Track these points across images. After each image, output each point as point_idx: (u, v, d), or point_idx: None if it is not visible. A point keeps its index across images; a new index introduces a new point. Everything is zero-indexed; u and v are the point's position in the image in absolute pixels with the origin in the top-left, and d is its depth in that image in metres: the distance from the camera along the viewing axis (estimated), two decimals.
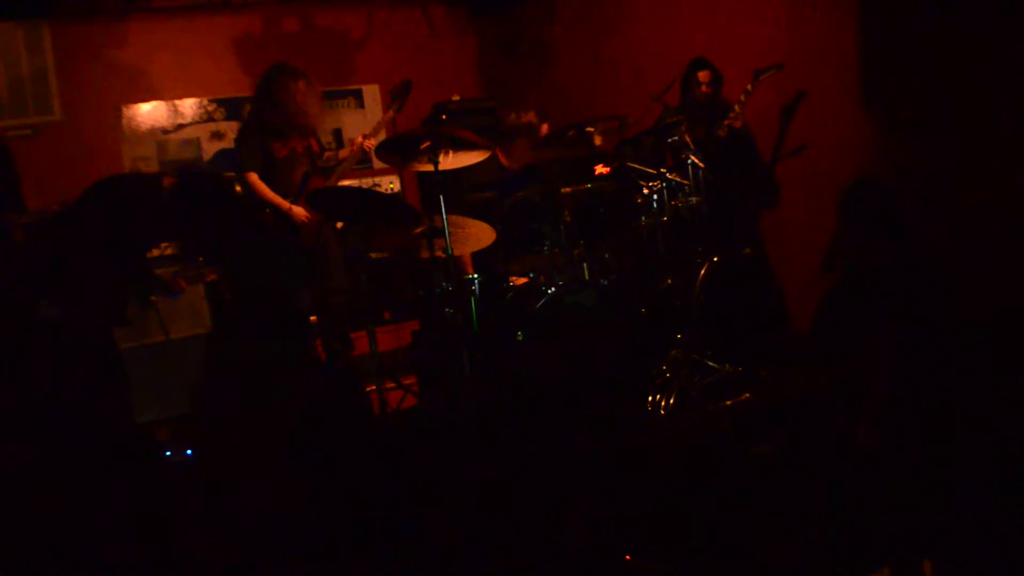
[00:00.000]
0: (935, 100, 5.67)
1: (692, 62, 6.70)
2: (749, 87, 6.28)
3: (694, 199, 5.88)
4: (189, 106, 8.34)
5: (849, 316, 5.35)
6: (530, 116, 6.47)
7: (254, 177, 6.08)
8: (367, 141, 6.22)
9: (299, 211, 6.04)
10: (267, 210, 6.10)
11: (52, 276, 4.82)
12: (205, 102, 8.38)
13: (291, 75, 6.17)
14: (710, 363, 5.55)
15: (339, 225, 6.34)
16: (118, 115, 8.07)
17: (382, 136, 6.47)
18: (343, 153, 6.47)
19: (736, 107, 6.33)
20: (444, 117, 8.46)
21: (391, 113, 6.34)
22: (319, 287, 6.30)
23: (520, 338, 5.28)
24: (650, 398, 5.22)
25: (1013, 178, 5.27)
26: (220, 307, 7.24)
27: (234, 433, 5.04)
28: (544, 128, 6.48)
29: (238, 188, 7.28)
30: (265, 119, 6.15)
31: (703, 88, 6.63)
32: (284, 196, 6.10)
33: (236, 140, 6.43)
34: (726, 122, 6.34)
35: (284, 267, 6.17)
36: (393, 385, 5.94)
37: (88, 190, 4.83)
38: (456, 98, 8.78)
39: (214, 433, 5.26)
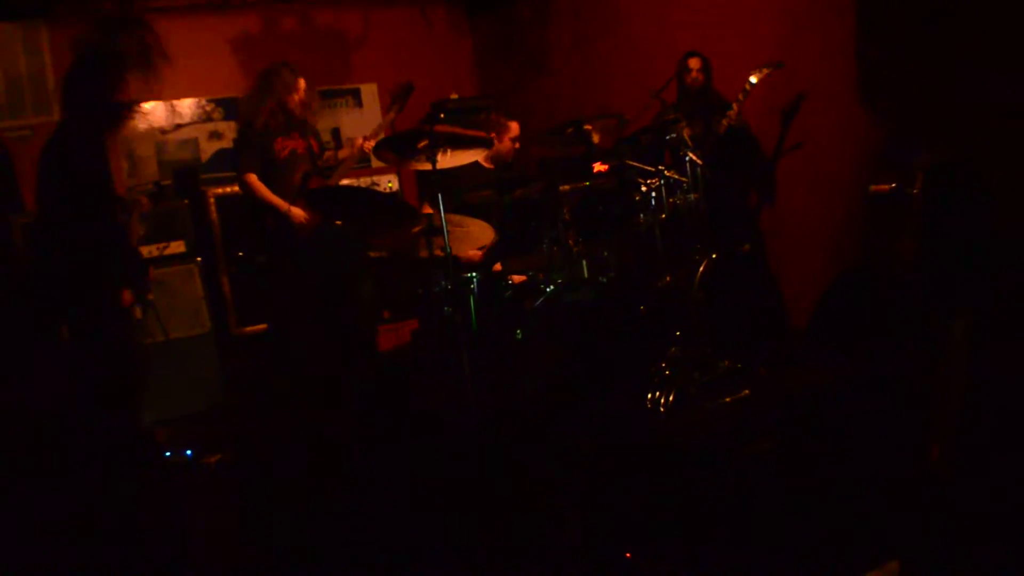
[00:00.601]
0: (936, 95, 5.67)
1: (684, 54, 6.78)
2: (748, 85, 6.29)
3: (692, 196, 5.89)
4: (187, 106, 8.34)
5: (849, 311, 5.36)
6: (499, 116, 6.58)
7: (253, 178, 6.07)
8: (367, 143, 6.21)
9: (298, 212, 6.02)
10: (266, 211, 6.09)
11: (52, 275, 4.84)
12: (203, 102, 8.38)
13: (289, 74, 6.18)
14: (709, 360, 5.56)
15: (338, 224, 6.33)
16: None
17: (381, 137, 6.47)
18: (343, 153, 6.46)
19: (735, 104, 6.34)
20: (442, 116, 8.45)
21: (392, 115, 6.33)
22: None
23: (519, 336, 5.28)
24: (649, 395, 5.22)
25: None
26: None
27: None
28: (513, 126, 6.55)
29: (233, 189, 7.31)
30: (263, 119, 6.15)
31: (693, 75, 6.69)
32: (284, 197, 6.08)
33: (235, 141, 6.42)
34: (724, 120, 6.35)
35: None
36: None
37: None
38: (454, 96, 8.77)
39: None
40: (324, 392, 5.69)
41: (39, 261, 4.94)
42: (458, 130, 5.27)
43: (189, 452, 5.32)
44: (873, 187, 4.69)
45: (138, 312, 5.13)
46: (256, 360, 6.97)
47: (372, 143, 6.15)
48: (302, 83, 6.20)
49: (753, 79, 6.27)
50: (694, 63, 6.72)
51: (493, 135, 6.30)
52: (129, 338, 5.01)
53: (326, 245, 6.14)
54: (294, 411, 5.19)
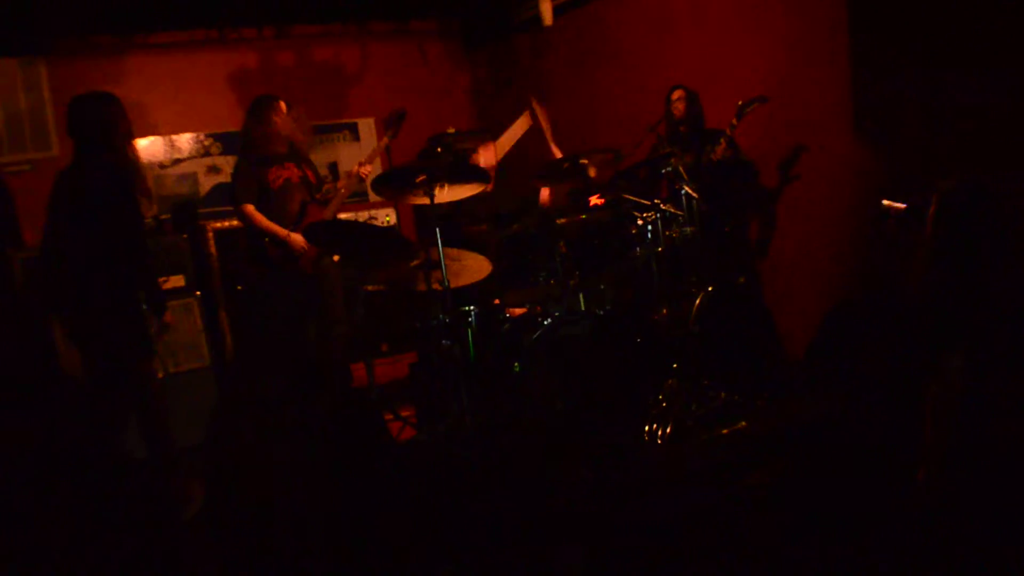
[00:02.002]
0: (930, 124, 5.72)
1: (670, 88, 6.93)
2: (734, 120, 6.38)
3: (688, 229, 5.92)
4: (186, 141, 8.39)
5: (845, 343, 5.38)
6: (472, 143, 6.70)
7: (251, 209, 6.11)
8: (363, 168, 6.30)
9: (298, 238, 6.06)
10: (266, 239, 6.12)
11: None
12: (202, 137, 8.43)
13: (271, 101, 6.25)
14: (706, 392, 5.57)
15: (336, 258, 6.37)
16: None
17: (378, 163, 6.53)
18: (341, 184, 6.51)
19: (722, 140, 6.42)
20: (439, 150, 8.51)
21: (386, 140, 6.41)
22: (320, 318, 6.35)
23: (517, 369, 5.30)
24: (647, 427, 5.23)
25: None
26: (233, 341, 7.32)
27: (250, 463, 5.07)
28: (482, 149, 6.65)
29: (232, 223, 7.35)
30: (254, 146, 6.21)
31: (679, 106, 6.79)
32: (282, 225, 6.13)
33: (232, 173, 6.47)
34: (714, 155, 6.43)
35: (291, 300, 6.20)
36: (391, 417, 5.95)
37: None
38: (451, 131, 8.82)
39: (229, 463, 5.28)
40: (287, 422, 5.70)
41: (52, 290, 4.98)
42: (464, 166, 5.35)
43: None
44: (886, 201, 4.69)
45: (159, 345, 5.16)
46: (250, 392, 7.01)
47: (368, 168, 6.22)
48: (283, 107, 6.28)
49: (738, 116, 6.38)
50: (677, 95, 6.87)
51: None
52: (153, 371, 5.06)
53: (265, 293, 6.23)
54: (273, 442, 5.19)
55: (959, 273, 3.84)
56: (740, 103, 6.40)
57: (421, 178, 5.18)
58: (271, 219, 6.13)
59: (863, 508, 3.80)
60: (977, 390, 3.68)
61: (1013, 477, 3.51)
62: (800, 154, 6.55)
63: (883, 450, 4.21)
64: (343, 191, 6.40)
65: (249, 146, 6.25)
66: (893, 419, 4.36)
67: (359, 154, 8.89)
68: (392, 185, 5.39)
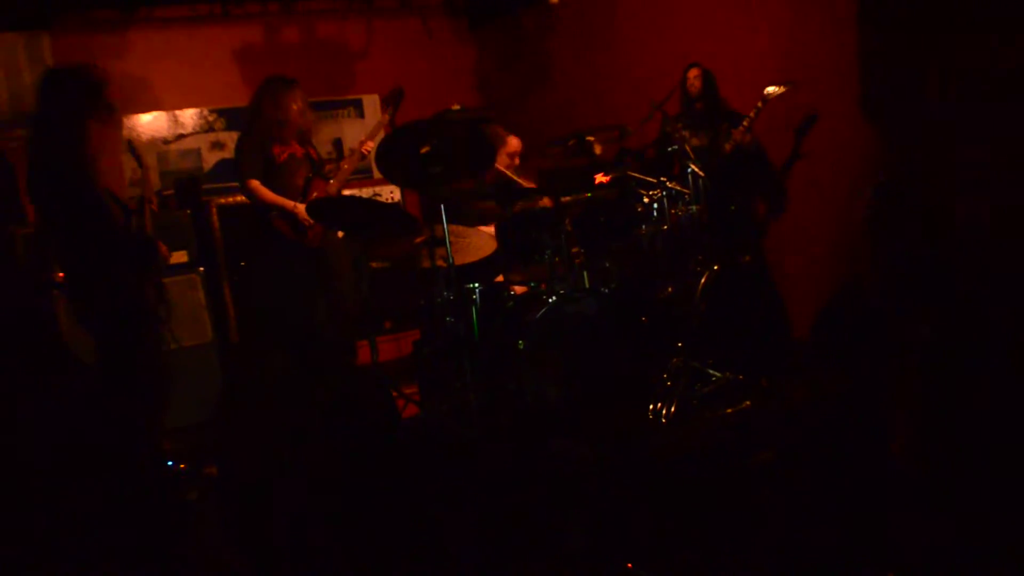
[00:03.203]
0: (936, 107, 5.69)
1: (687, 66, 6.81)
2: (760, 104, 6.21)
3: (694, 208, 5.90)
4: (189, 116, 8.36)
5: (851, 323, 5.36)
6: (498, 129, 6.60)
7: (256, 183, 6.10)
8: (364, 145, 6.30)
9: (305, 210, 6.05)
10: (273, 213, 6.11)
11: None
12: (205, 112, 8.40)
13: (288, 87, 6.22)
14: (711, 371, 5.56)
15: (340, 234, 6.35)
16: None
17: (380, 138, 6.50)
18: (344, 162, 6.49)
19: (745, 122, 6.29)
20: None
21: (387, 116, 6.41)
22: (328, 294, 6.34)
23: (521, 347, 5.28)
24: (651, 406, 5.22)
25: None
26: (236, 317, 7.31)
27: (256, 441, 5.06)
28: (513, 141, 6.60)
29: (236, 198, 7.33)
30: (264, 126, 6.18)
31: (691, 82, 6.69)
32: (286, 198, 6.12)
33: (236, 149, 6.44)
34: (734, 138, 6.31)
35: (298, 275, 6.19)
36: (395, 395, 5.94)
37: None
38: (456, 107, 8.79)
39: (235, 442, 5.27)
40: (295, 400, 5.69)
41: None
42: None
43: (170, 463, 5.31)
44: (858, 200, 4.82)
45: (163, 312, 5.09)
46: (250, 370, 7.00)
47: (371, 144, 6.20)
48: (299, 95, 6.24)
49: (766, 97, 6.20)
50: (693, 72, 6.76)
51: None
52: (157, 344, 5.02)
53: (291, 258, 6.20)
54: (280, 420, 5.18)
55: (905, 256, 3.97)
56: (768, 89, 6.21)
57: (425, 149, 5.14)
58: (276, 193, 6.12)
59: (868, 487, 3.79)
60: (946, 362, 3.75)
61: (985, 448, 3.56)
62: (813, 122, 6.36)
63: (882, 427, 4.20)
64: (347, 167, 6.38)
65: (258, 127, 6.22)
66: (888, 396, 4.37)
67: (363, 130, 8.87)
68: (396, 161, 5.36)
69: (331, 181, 6.29)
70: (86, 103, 4.80)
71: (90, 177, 4.69)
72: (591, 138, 5.86)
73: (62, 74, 4.93)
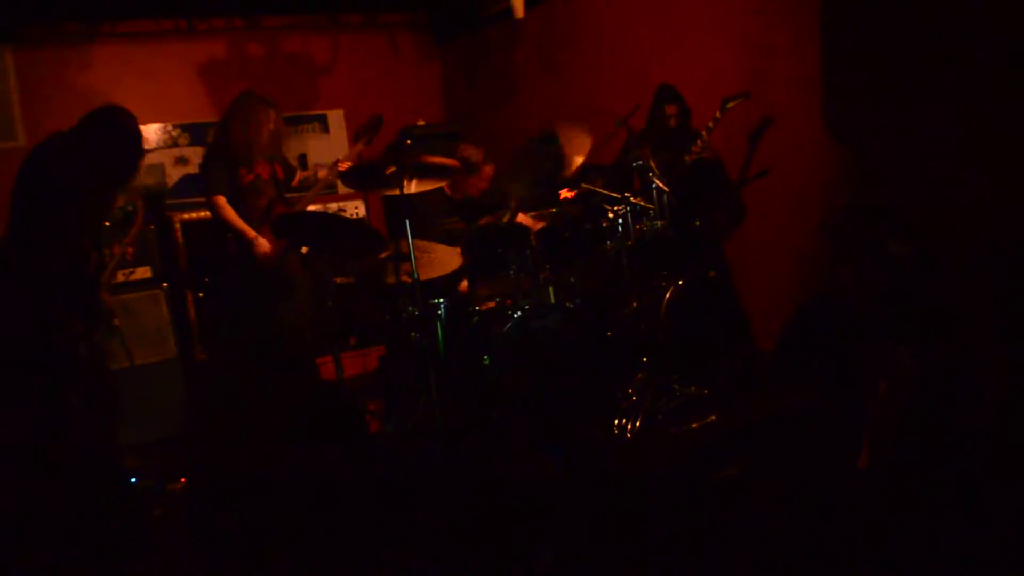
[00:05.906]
0: (898, 122, 5.75)
1: (659, 92, 6.61)
2: (718, 114, 6.22)
3: (659, 223, 5.92)
4: (154, 131, 8.31)
5: (815, 337, 5.41)
6: (478, 155, 6.56)
7: (222, 200, 6.02)
8: (341, 164, 6.17)
9: (263, 243, 5.97)
10: (229, 235, 6.05)
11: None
12: (170, 127, 8.35)
13: (261, 104, 6.15)
14: (676, 386, 5.57)
15: (304, 250, 6.31)
16: None
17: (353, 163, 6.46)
18: (321, 173, 6.43)
19: (704, 133, 6.27)
20: (409, 142, 8.46)
21: (360, 147, 6.31)
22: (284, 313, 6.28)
23: (487, 362, 5.28)
24: (616, 422, 5.23)
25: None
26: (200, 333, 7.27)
27: (222, 456, 5.04)
28: (487, 170, 6.59)
29: (200, 214, 7.29)
30: (232, 146, 6.11)
31: (671, 122, 6.56)
32: (248, 222, 6.05)
33: (201, 165, 6.38)
34: (693, 151, 6.30)
35: (257, 293, 6.14)
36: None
37: None
38: (421, 123, 8.79)
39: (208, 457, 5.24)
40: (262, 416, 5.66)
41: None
42: (429, 160, 5.29)
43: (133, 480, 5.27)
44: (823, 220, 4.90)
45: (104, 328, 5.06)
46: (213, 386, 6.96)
47: (347, 164, 6.14)
48: (272, 113, 6.17)
49: (722, 110, 6.21)
50: (671, 110, 6.53)
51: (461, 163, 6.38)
52: (93, 361, 4.97)
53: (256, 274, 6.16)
54: (247, 437, 5.16)
55: (880, 276, 4.03)
56: (724, 99, 6.21)
57: (391, 170, 5.15)
58: (240, 215, 6.04)
59: (824, 499, 3.83)
60: (924, 381, 3.80)
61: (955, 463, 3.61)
62: (768, 125, 6.34)
63: (849, 442, 4.23)
64: (321, 181, 6.32)
65: (225, 145, 6.15)
66: (856, 411, 4.40)
67: (328, 146, 8.86)
68: (361, 178, 5.37)
69: (301, 199, 6.23)
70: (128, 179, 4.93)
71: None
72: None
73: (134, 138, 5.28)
